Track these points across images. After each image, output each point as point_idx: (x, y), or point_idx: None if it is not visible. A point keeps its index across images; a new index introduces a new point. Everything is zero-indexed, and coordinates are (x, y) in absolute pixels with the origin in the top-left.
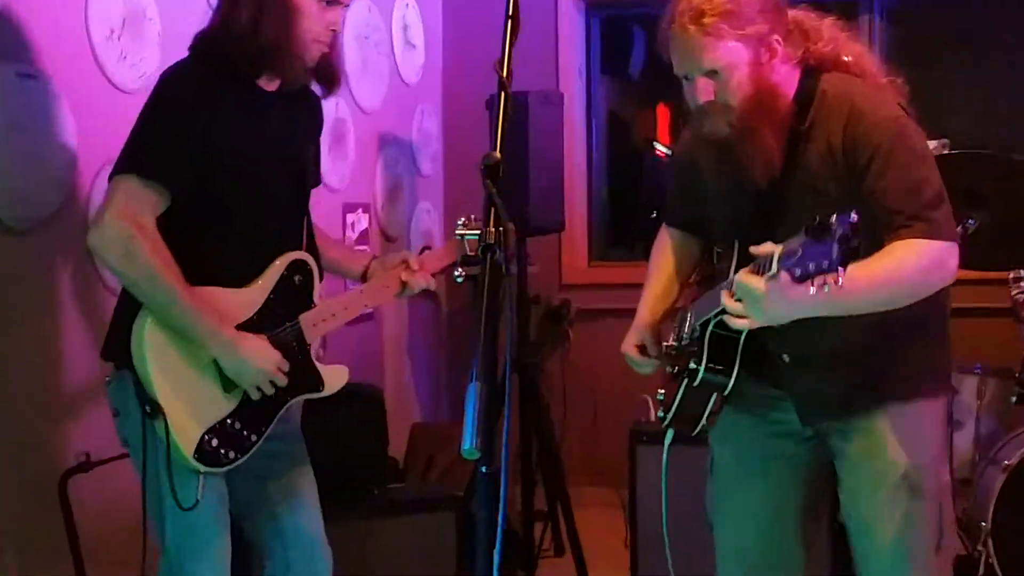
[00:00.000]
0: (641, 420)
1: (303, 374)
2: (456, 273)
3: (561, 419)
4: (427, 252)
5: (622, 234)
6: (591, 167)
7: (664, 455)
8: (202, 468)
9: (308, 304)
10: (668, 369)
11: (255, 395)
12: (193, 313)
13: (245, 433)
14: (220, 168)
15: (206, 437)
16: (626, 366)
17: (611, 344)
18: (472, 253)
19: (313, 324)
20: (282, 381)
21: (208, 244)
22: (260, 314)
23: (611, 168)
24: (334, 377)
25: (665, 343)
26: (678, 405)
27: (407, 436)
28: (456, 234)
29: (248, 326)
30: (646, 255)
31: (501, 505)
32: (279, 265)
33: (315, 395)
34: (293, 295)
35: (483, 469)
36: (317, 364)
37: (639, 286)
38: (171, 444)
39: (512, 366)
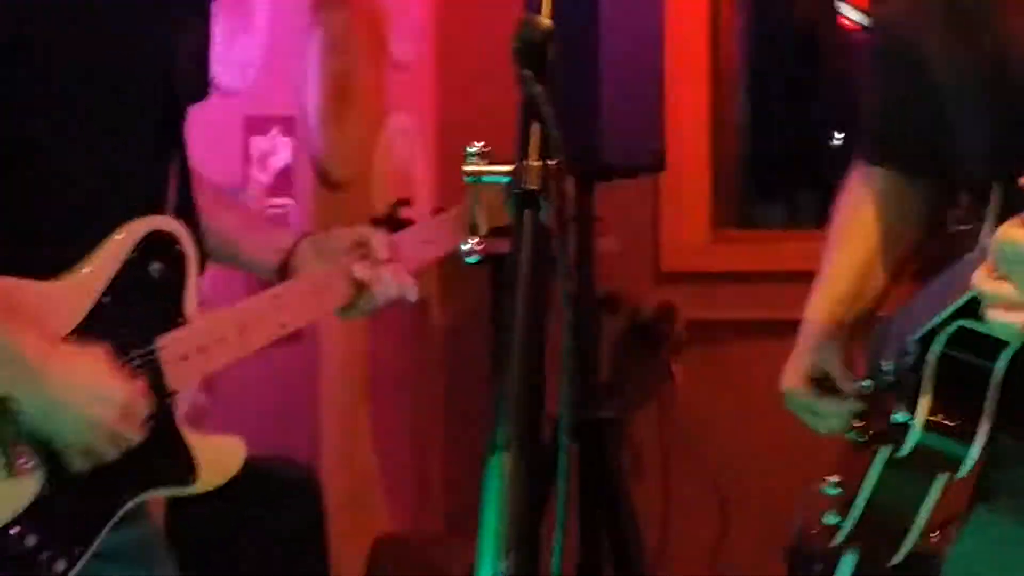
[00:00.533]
0: (811, 531)
1: (161, 450)
2: (465, 248)
3: (660, 526)
4: (406, 227)
5: (776, 180)
6: (715, 57)
7: None
8: None
9: (174, 317)
10: (852, 432)
11: (78, 464)
12: None
13: (44, 556)
14: (12, 58)
15: None
16: (783, 423)
17: (753, 383)
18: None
19: (183, 356)
20: (132, 436)
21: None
22: (84, 329)
23: (754, 59)
24: (218, 458)
25: (856, 379)
26: (868, 501)
27: (366, 560)
28: (464, 173)
29: None
30: (821, 220)
31: None
32: (122, 241)
33: (181, 491)
34: (147, 298)
35: None
36: (184, 433)
37: (808, 277)
38: None
39: (569, 427)
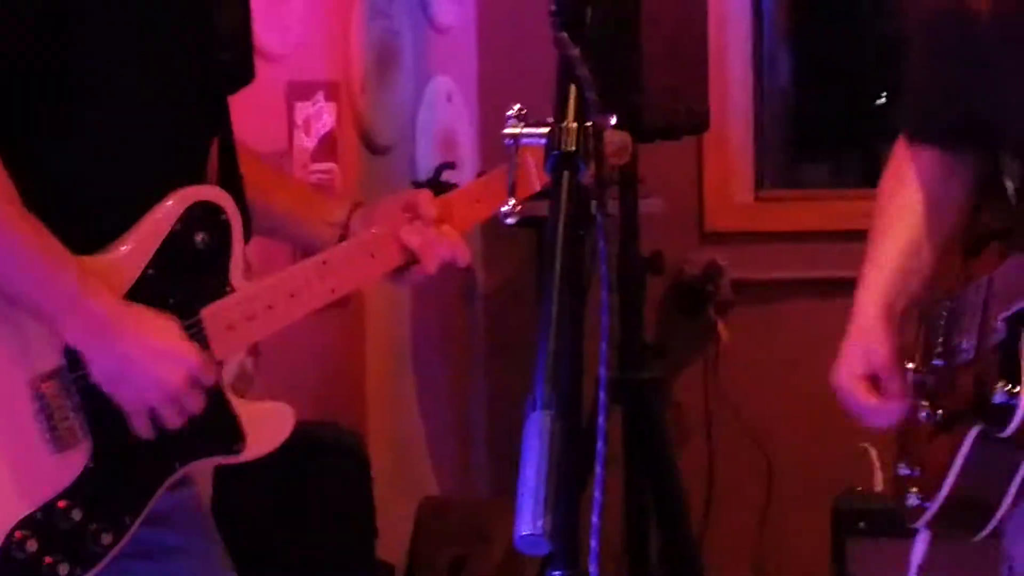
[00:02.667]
0: (854, 489)
1: (207, 418)
2: (504, 209)
3: (705, 488)
4: (452, 188)
5: (820, 140)
6: (758, 16)
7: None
8: None
9: (220, 287)
10: (925, 414)
11: (144, 430)
12: (50, 262)
13: (93, 528)
14: (65, 25)
15: (16, 537)
16: (828, 382)
17: (798, 342)
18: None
19: (229, 326)
20: (197, 404)
21: (43, 168)
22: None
23: (798, 18)
24: (265, 426)
25: (913, 365)
26: (955, 484)
27: (412, 522)
28: (505, 136)
29: None
30: (865, 179)
31: None
32: (168, 210)
33: (228, 458)
34: (192, 268)
35: (555, 575)
36: (233, 401)
37: (852, 236)
38: None
39: (609, 387)
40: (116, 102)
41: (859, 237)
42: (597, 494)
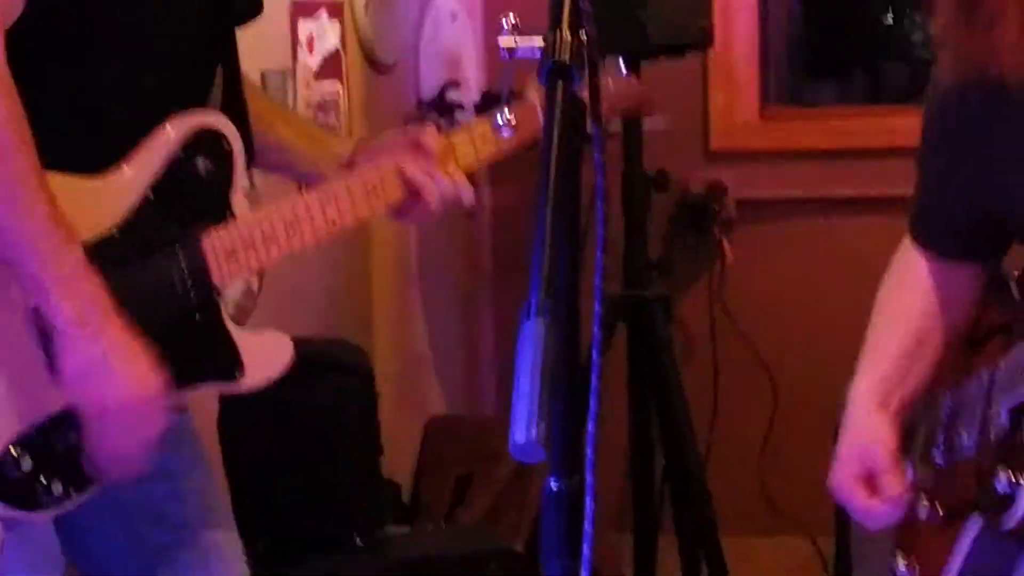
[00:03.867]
0: None
1: (204, 345)
2: (499, 121)
3: (710, 405)
4: (454, 110)
5: (826, 58)
6: None
7: None
8: (1, 510)
9: (222, 213)
10: (925, 512)
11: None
12: (52, 237)
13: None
14: None
15: (12, 452)
16: (833, 300)
17: (803, 261)
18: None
19: (230, 252)
20: (142, 429)
21: (48, 90)
22: (127, 227)
23: None
24: (264, 355)
25: (913, 463)
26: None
27: (418, 441)
28: (500, 46)
29: (102, 248)
30: (871, 97)
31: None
32: (167, 137)
33: (228, 385)
34: (194, 194)
35: (553, 484)
36: (232, 330)
37: (857, 155)
38: None
39: (613, 304)
40: (122, 30)
41: (864, 155)
42: (593, 403)
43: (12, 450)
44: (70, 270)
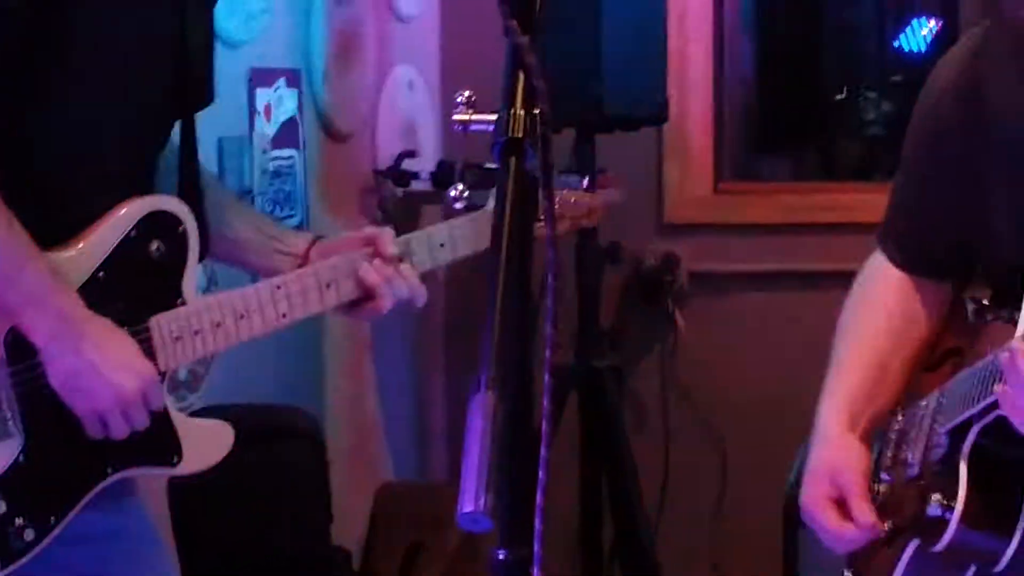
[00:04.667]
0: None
1: (148, 431)
2: (452, 194)
3: (660, 475)
4: (410, 180)
5: (779, 134)
6: (719, 10)
7: None
8: None
9: (172, 298)
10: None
11: (95, 430)
12: (16, 255)
13: (17, 523)
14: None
15: None
16: (783, 372)
17: (754, 334)
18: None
19: (176, 337)
20: (144, 420)
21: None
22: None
23: (757, 13)
24: (204, 443)
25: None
26: None
27: (369, 508)
28: (454, 121)
29: None
30: (823, 173)
31: None
32: (123, 217)
33: (164, 470)
34: (145, 276)
35: (500, 555)
36: (174, 416)
37: (810, 229)
38: None
39: (566, 374)
40: (82, 105)
41: (817, 230)
42: (541, 474)
43: None
44: (36, 288)
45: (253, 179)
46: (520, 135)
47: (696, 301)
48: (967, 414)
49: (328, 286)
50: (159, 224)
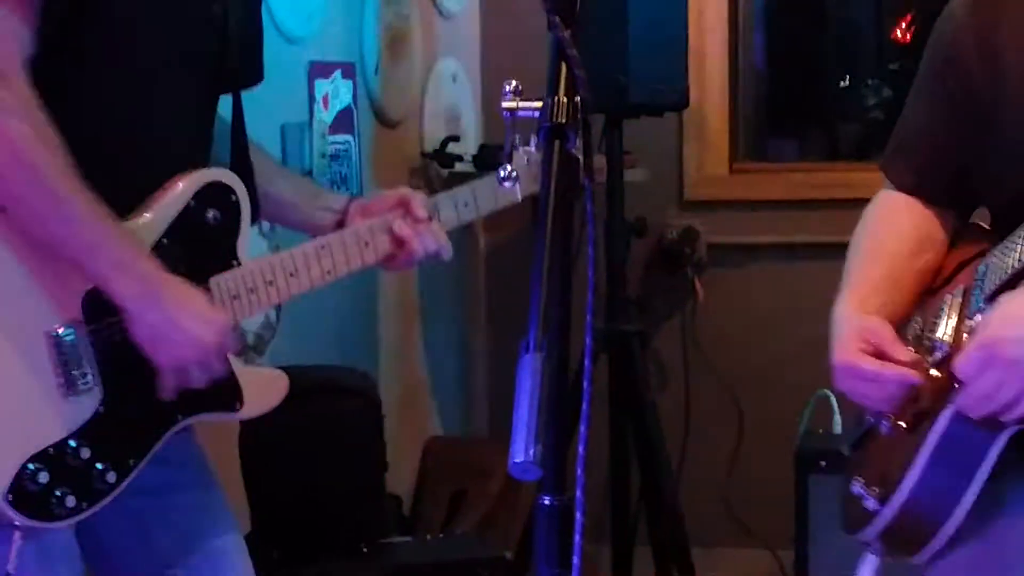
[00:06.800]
0: (817, 432)
1: (214, 381)
2: (502, 173)
3: (682, 429)
4: (454, 162)
5: (789, 118)
6: (733, 5)
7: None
8: (19, 519)
9: (227, 260)
10: (886, 427)
11: (169, 384)
12: (94, 228)
13: (98, 467)
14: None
15: (28, 469)
16: (792, 336)
17: (767, 300)
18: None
19: (234, 295)
20: (220, 368)
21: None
22: None
23: (769, 7)
24: (262, 390)
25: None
26: (912, 490)
27: (418, 459)
28: (503, 108)
29: None
30: (829, 154)
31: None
32: (185, 188)
33: (226, 415)
34: (203, 241)
35: (546, 500)
36: (233, 363)
37: (815, 205)
38: None
39: (596, 337)
40: (130, 80)
41: (822, 206)
42: (583, 428)
43: (30, 465)
44: (120, 253)
45: (313, 162)
46: (564, 120)
47: (713, 270)
48: (1011, 273)
49: (367, 244)
50: (214, 194)
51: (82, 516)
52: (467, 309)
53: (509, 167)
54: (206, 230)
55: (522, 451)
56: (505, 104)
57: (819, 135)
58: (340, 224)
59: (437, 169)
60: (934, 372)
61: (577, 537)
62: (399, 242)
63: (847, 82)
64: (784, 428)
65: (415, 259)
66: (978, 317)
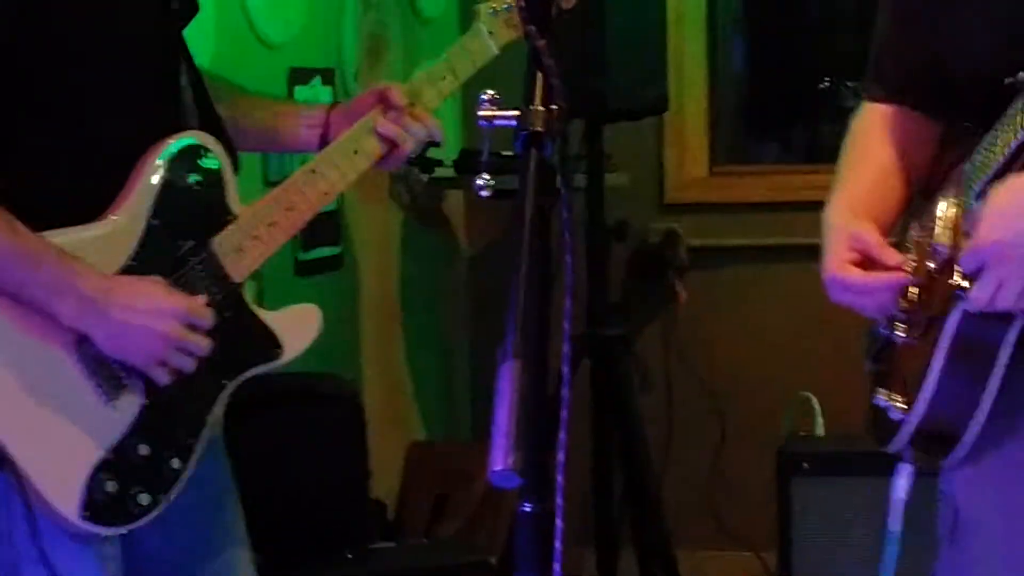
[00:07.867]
0: (799, 434)
1: (241, 335)
2: (479, 183)
3: (665, 432)
4: (437, 164)
5: (769, 120)
6: (712, 7)
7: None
8: (103, 530)
9: (223, 217)
10: (901, 337)
11: (162, 378)
12: (27, 257)
13: (163, 456)
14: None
15: (95, 482)
16: (775, 339)
17: (749, 303)
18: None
19: (238, 248)
20: (200, 344)
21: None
22: (140, 256)
23: (748, 9)
24: (296, 328)
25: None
26: (933, 395)
27: (401, 464)
28: (480, 116)
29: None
30: (810, 156)
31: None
32: (154, 165)
33: (270, 364)
34: (191, 209)
35: (527, 507)
36: (260, 313)
37: (797, 207)
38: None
39: (578, 342)
40: (83, 78)
41: (804, 208)
42: (562, 435)
43: (95, 479)
44: (52, 279)
45: (294, 167)
46: (540, 128)
47: (695, 274)
48: (1004, 158)
49: (355, 152)
50: (188, 158)
51: (160, 509)
52: (449, 314)
53: (487, 176)
54: (192, 196)
55: (501, 459)
56: (481, 113)
57: (799, 137)
58: (324, 137)
59: (417, 174)
60: (938, 276)
61: (557, 543)
62: (387, 140)
63: (826, 84)
64: (767, 430)
65: (407, 151)
66: (972, 216)
